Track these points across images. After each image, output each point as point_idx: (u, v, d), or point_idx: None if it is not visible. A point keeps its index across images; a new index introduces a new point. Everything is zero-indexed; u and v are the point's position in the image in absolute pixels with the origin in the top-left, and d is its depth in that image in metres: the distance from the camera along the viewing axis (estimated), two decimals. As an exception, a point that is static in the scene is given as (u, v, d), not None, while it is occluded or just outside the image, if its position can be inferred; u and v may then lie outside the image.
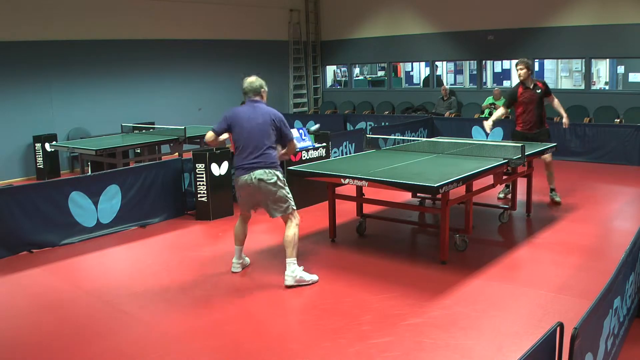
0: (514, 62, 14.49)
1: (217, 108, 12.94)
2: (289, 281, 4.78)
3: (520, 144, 6.08)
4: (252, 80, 4.94)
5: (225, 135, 5.02)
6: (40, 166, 10.11)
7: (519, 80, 7.05)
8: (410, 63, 16.22)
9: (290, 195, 4.88)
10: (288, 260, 4.81)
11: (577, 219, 6.59)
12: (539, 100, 7.00)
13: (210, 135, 4.93)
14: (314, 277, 4.88)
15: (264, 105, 4.95)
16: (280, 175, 4.83)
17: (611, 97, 11.54)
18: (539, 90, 6.97)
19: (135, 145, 8.88)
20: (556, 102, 7.21)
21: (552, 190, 7.29)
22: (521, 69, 6.93)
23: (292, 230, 4.84)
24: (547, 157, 6.97)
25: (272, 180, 4.75)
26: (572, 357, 2.29)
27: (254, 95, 4.93)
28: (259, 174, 4.74)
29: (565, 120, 7.27)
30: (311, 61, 15.54)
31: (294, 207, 4.89)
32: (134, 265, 5.62)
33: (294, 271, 4.78)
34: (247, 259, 5.35)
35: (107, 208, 6.53)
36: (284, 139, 4.95)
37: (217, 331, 4.07)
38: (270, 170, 4.77)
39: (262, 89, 4.98)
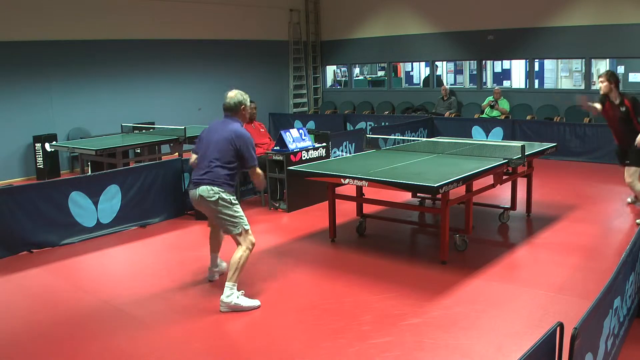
0: (514, 62, 14.62)
1: (217, 108, 12.81)
2: (222, 307, 4.38)
3: (520, 144, 6.08)
4: (231, 97, 4.61)
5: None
6: (40, 166, 10.11)
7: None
8: (410, 63, 16.22)
9: (238, 216, 4.48)
10: (227, 283, 4.40)
11: (577, 219, 6.59)
12: (624, 118, 6.33)
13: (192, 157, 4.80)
14: (255, 303, 4.46)
15: (235, 122, 4.59)
16: (225, 195, 4.44)
17: (611, 97, 11.52)
18: (624, 109, 6.30)
19: (135, 145, 8.88)
20: None
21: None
22: (601, 82, 6.40)
23: (239, 253, 4.45)
24: (626, 175, 6.52)
25: (212, 199, 4.43)
26: (572, 357, 2.29)
27: (232, 114, 4.62)
28: (201, 190, 4.45)
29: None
30: (311, 61, 15.53)
31: (246, 229, 4.50)
32: (134, 265, 5.62)
33: (229, 296, 4.37)
34: (224, 264, 5.08)
35: (107, 208, 6.53)
36: (243, 163, 4.53)
37: (217, 331, 4.07)
38: (213, 188, 4.43)
39: (242, 106, 4.63)
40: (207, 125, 4.80)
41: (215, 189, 4.43)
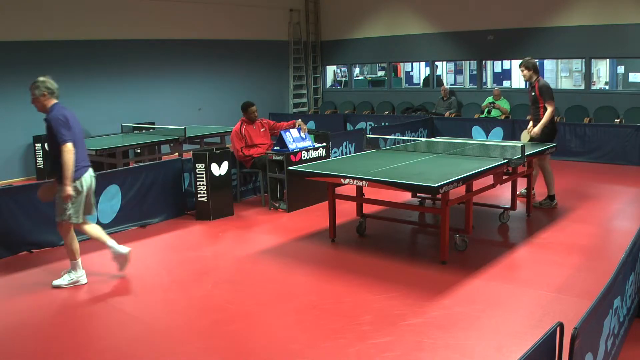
0: (514, 62, 14.63)
1: (217, 108, 12.97)
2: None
3: (520, 144, 6.09)
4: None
5: None
6: (40, 166, 10.10)
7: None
8: (410, 63, 16.21)
9: None
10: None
11: (577, 219, 6.59)
12: (533, 101, 7.03)
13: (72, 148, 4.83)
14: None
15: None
16: None
17: (611, 97, 11.54)
18: (533, 93, 6.97)
19: (135, 145, 8.88)
20: (547, 113, 6.86)
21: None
22: (522, 71, 7.02)
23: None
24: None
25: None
26: (572, 357, 2.29)
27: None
28: (93, 173, 5.06)
29: (535, 129, 6.97)
30: (311, 61, 15.53)
31: None
32: (134, 265, 5.61)
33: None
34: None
35: (107, 208, 6.53)
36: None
37: (217, 331, 4.07)
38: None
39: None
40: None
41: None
